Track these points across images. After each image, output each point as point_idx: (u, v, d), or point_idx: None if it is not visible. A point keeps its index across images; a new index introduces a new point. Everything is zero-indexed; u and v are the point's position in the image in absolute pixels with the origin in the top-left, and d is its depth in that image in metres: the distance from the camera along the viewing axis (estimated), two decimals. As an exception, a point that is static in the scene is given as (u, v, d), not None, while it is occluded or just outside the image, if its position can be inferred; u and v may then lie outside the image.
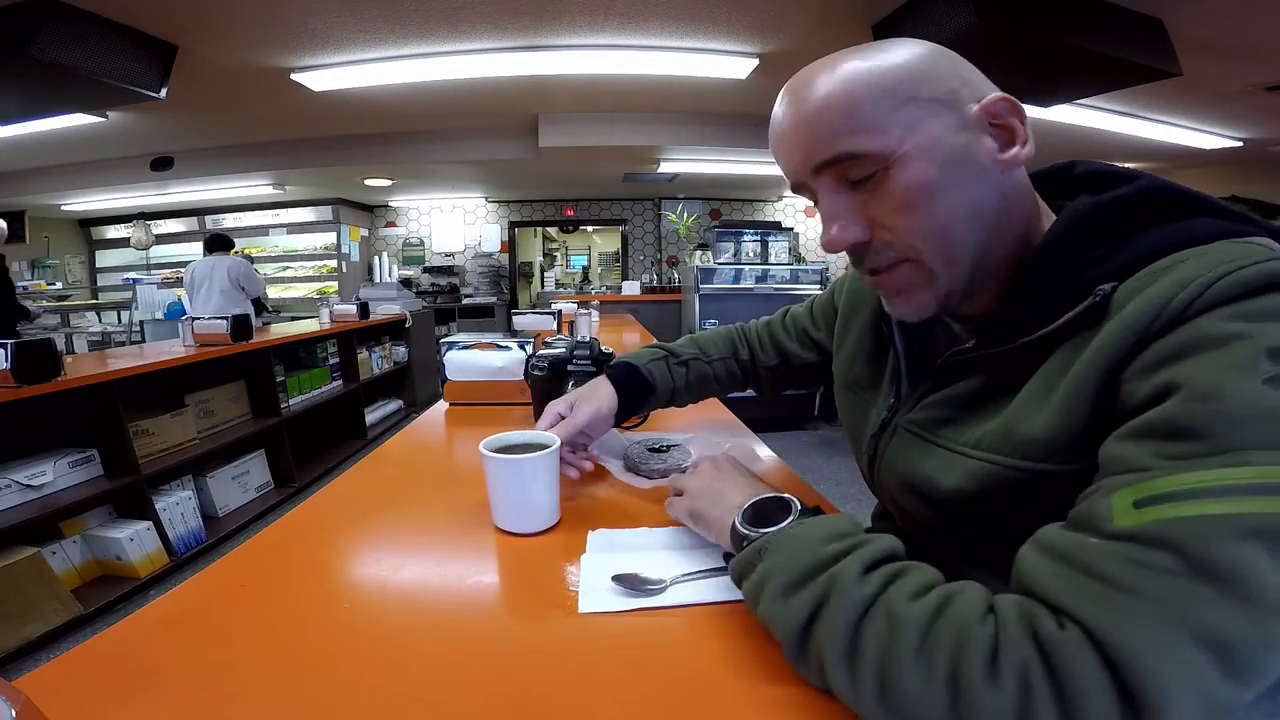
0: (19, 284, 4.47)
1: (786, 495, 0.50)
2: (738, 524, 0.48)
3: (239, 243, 5.10)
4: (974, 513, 0.49)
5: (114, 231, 6.90)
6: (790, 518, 0.46)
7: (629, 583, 0.52)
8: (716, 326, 0.95)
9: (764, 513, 0.49)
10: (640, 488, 0.72)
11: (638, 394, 0.81)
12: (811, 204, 0.52)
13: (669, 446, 0.75)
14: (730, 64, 3.09)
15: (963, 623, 0.33)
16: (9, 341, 1.73)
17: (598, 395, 0.78)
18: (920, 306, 0.50)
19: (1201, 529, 0.30)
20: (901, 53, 0.47)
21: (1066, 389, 0.42)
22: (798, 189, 0.52)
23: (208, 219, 6.77)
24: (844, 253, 0.51)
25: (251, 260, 4.64)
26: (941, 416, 0.53)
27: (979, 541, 0.51)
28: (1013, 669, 0.30)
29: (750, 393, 0.94)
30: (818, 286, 4.63)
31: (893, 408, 0.60)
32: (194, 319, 2.75)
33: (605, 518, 0.67)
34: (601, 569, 0.55)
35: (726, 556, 0.49)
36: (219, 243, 4.45)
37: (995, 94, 0.47)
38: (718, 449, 0.71)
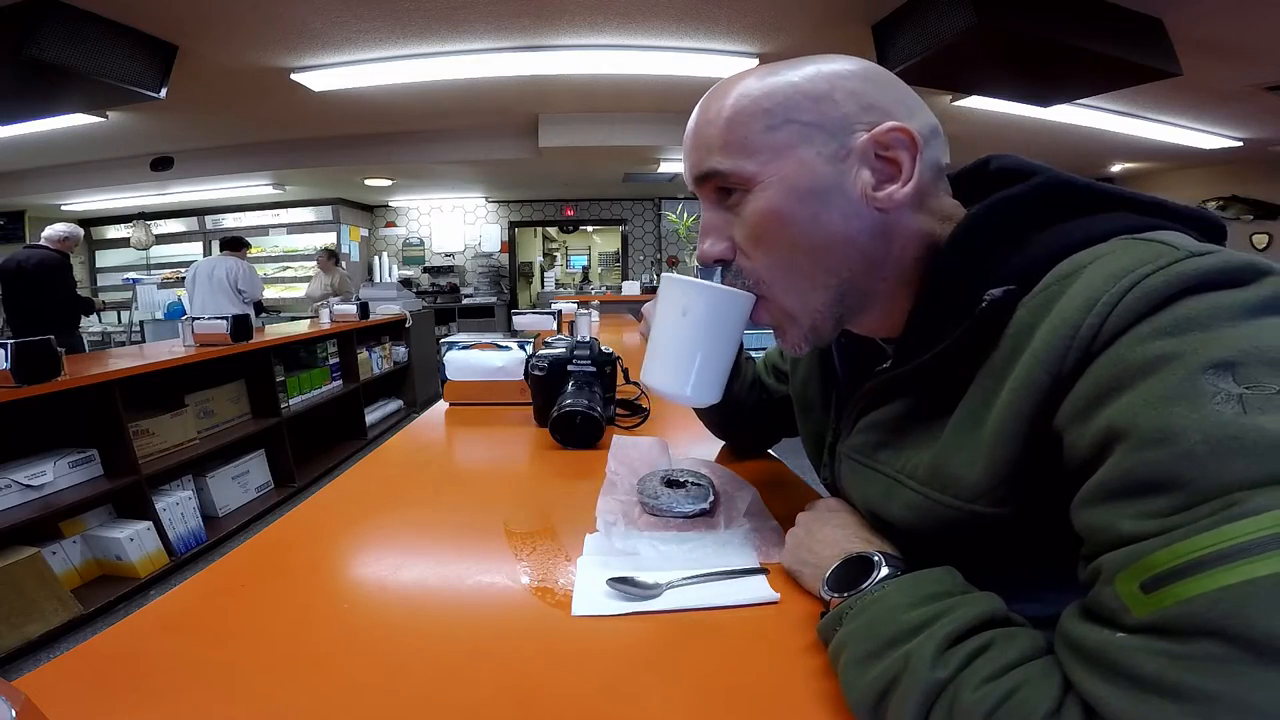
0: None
1: (874, 552, 0.45)
2: (820, 589, 0.46)
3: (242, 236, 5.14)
4: (925, 543, 0.47)
5: (114, 231, 6.91)
6: (869, 580, 0.42)
7: (624, 586, 0.51)
8: None
9: (851, 573, 0.45)
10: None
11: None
12: None
13: (686, 481, 0.68)
14: (730, 64, 3.09)
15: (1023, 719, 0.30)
16: (9, 341, 1.74)
17: None
18: (794, 344, 0.49)
19: (1233, 602, 0.25)
20: (808, 70, 0.45)
21: (990, 432, 0.39)
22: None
23: (208, 219, 6.79)
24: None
25: (247, 252, 4.64)
26: (876, 440, 0.51)
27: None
28: None
29: None
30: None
31: (835, 432, 0.58)
32: (194, 319, 2.75)
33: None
34: (597, 572, 0.54)
35: (821, 616, 0.46)
36: (230, 244, 4.49)
37: (891, 123, 0.43)
38: (744, 487, 0.69)
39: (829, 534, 0.51)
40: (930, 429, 0.46)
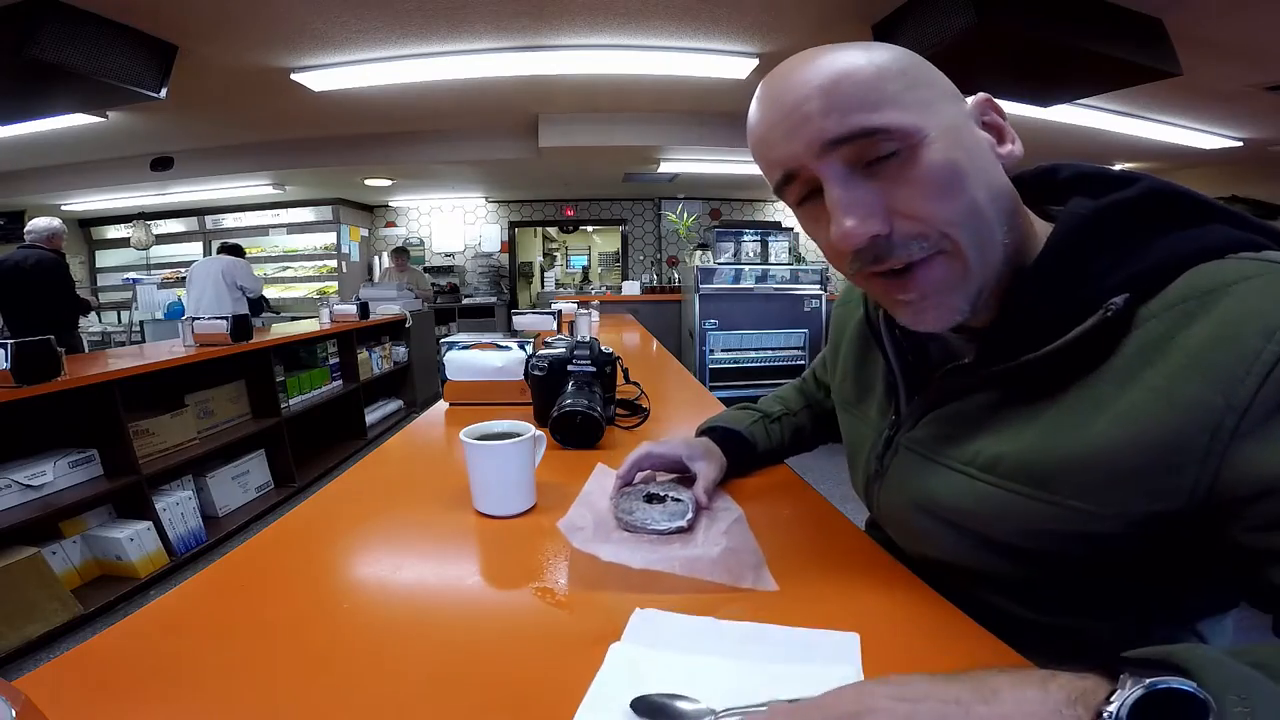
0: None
1: (1168, 681, 0.28)
2: None
3: (239, 243, 5.18)
4: (987, 536, 0.47)
5: (114, 231, 6.90)
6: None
7: (652, 715, 0.36)
8: (784, 386, 0.93)
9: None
10: (631, 566, 0.56)
11: (743, 457, 0.78)
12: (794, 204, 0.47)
13: (666, 496, 0.65)
14: (730, 64, 3.09)
15: None
16: (9, 341, 1.73)
17: (713, 455, 0.74)
18: (951, 310, 0.45)
19: None
20: (893, 49, 0.45)
21: (1115, 433, 0.39)
22: (786, 182, 0.46)
23: (208, 219, 6.78)
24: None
25: (245, 259, 4.66)
26: (943, 434, 0.51)
27: (994, 564, 0.50)
28: None
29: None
30: (817, 287, 4.63)
31: (894, 424, 0.57)
32: (194, 319, 2.75)
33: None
34: (627, 678, 0.40)
35: None
36: (226, 250, 4.52)
37: (981, 95, 0.47)
38: (730, 507, 0.67)
39: (991, 698, 0.31)
40: (1011, 424, 0.46)
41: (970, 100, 0.46)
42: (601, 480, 0.77)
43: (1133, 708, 0.28)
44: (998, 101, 0.47)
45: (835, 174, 0.43)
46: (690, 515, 0.63)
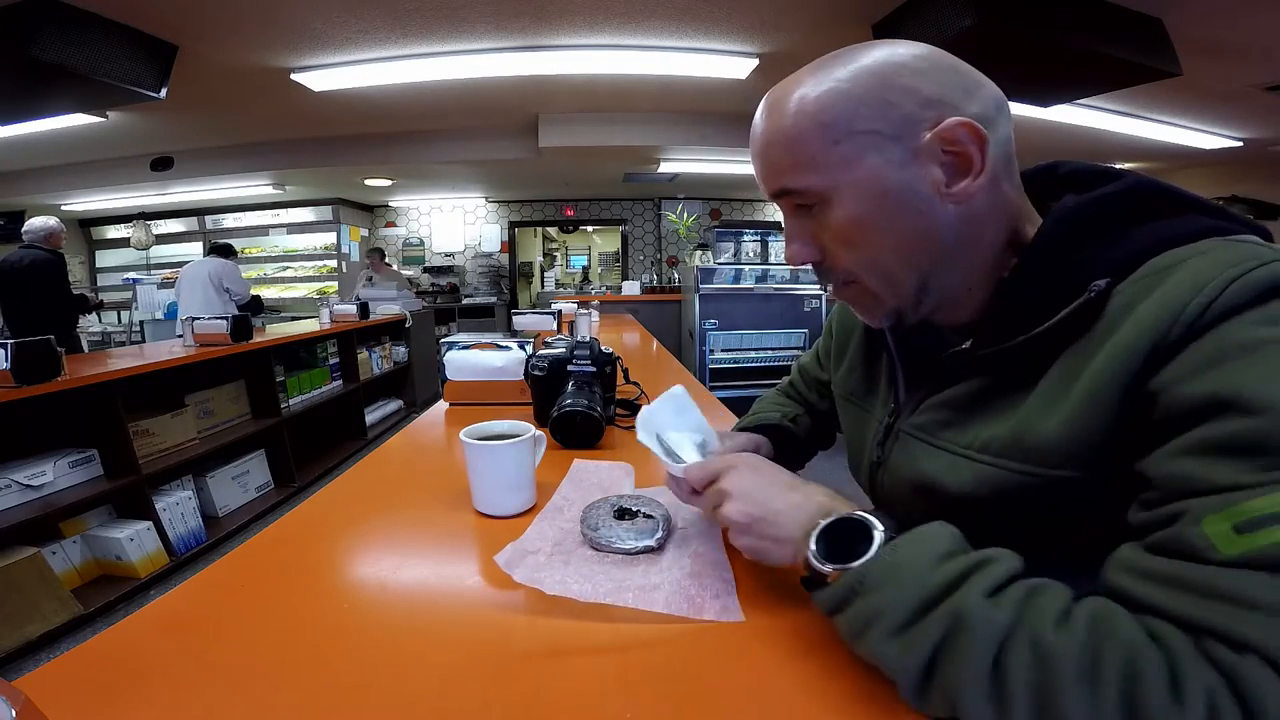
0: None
1: (860, 513, 0.44)
2: (813, 561, 0.43)
3: (239, 243, 5.17)
4: (985, 516, 0.48)
5: (114, 231, 6.90)
6: (875, 546, 0.41)
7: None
8: (769, 393, 0.91)
9: (840, 538, 0.43)
10: (579, 599, 0.51)
11: (792, 448, 0.77)
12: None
13: (638, 511, 0.62)
14: (730, 64, 3.09)
15: (1130, 650, 0.31)
16: (9, 341, 1.74)
17: (740, 439, 0.71)
18: (873, 318, 0.54)
19: None
20: (859, 72, 0.45)
21: (1081, 396, 0.41)
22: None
23: (208, 219, 6.79)
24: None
25: (236, 259, 4.63)
26: (942, 419, 0.53)
27: (992, 544, 0.50)
28: (1199, 694, 0.30)
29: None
30: (817, 286, 4.63)
31: (893, 412, 0.60)
32: (194, 319, 2.75)
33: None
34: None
35: (804, 581, 0.45)
36: (217, 250, 4.51)
37: (954, 120, 0.44)
38: (707, 526, 0.64)
39: (788, 499, 0.48)
40: (1002, 404, 0.48)
41: (931, 133, 0.44)
42: (578, 483, 0.76)
43: (824, 531, 0.44)
44: (977, 126, 0.44)
45: (785, 208, 0.53)
46: (661, 534, 0.59)
